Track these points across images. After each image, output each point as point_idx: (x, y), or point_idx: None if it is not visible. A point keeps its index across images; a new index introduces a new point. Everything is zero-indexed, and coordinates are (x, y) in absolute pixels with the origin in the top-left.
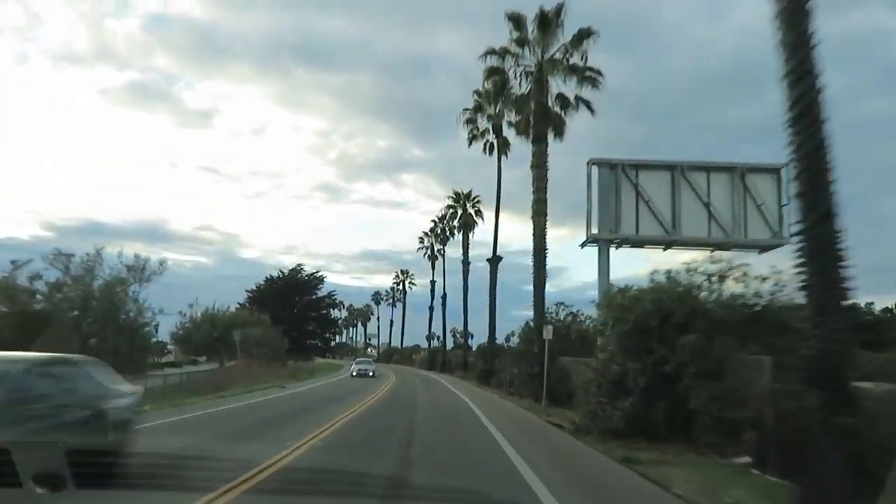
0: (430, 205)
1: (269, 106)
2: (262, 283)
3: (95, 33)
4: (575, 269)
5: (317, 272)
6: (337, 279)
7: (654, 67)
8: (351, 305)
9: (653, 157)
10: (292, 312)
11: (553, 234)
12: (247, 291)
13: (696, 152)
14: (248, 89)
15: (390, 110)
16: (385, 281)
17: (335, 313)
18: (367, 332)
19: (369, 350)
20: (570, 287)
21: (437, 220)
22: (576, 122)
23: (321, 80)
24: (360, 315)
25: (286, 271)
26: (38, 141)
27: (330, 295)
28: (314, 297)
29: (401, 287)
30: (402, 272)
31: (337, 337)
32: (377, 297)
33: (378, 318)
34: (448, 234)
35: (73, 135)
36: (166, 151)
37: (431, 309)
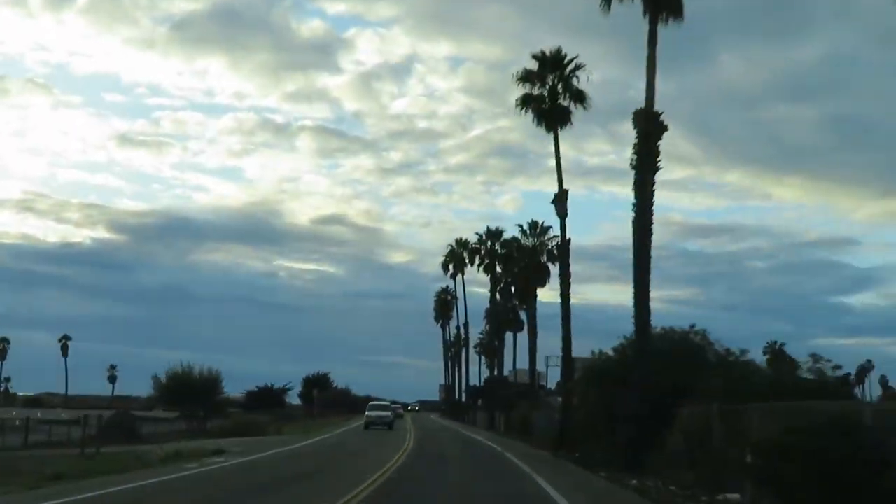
0: (672, 172)
1: (413, 29)
2: None
3: None
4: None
5: None
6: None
7: None
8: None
9: None
10: None
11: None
12: None
13: None
14: (382, 8)
15: (600, 25)
16: (604, 294)
17: None
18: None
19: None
20: None
21: None
22: None
23: None
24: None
25: None
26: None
27: None
28: None
29: None
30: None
31: None
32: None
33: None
34: None
35: (132, 91)
36: (269, 108)
37: None
